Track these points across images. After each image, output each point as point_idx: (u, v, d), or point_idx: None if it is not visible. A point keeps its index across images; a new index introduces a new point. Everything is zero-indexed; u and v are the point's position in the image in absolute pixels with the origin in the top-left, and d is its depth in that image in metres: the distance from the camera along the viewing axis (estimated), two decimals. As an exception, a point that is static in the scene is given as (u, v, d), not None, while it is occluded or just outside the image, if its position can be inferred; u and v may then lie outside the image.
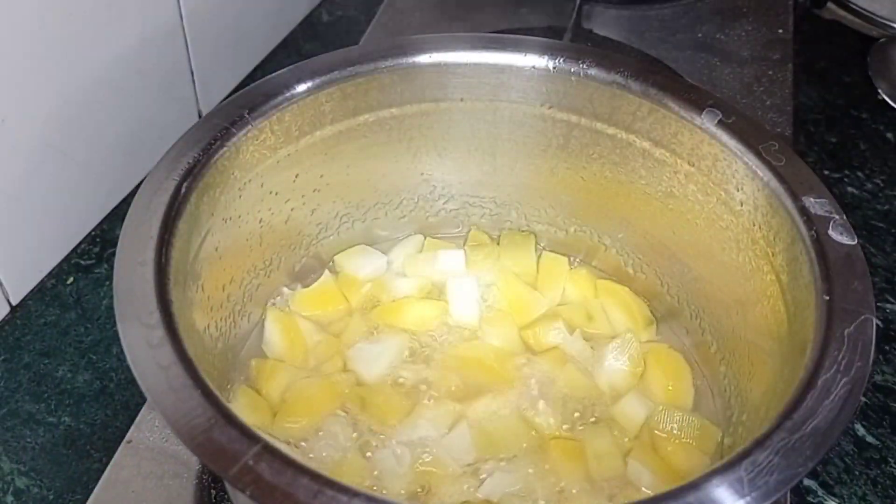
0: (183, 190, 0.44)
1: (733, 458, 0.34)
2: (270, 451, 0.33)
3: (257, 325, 0.56)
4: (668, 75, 0.52)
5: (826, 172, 0.78)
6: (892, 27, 0.90)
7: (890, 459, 0.56)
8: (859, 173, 0.78)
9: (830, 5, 0.95)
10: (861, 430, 0.58)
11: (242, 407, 0.51)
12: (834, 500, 0.54)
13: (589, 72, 0.52)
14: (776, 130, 0.74)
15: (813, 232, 0.43)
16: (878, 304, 0.66)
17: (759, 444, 0.35)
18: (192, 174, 0.45)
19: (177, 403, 0.35)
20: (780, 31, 0.87)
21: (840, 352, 0.38)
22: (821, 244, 0.42)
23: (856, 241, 0.43)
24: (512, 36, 0.55)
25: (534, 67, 0.53)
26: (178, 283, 0.42)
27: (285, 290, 0.58)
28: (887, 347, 0.64)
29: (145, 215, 0.42)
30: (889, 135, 0.83)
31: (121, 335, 0.38)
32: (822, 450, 0.35)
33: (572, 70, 0.52)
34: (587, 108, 0.53)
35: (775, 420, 0.36)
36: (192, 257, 0.45)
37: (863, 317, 0.39)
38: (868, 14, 0.90)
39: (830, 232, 0.43)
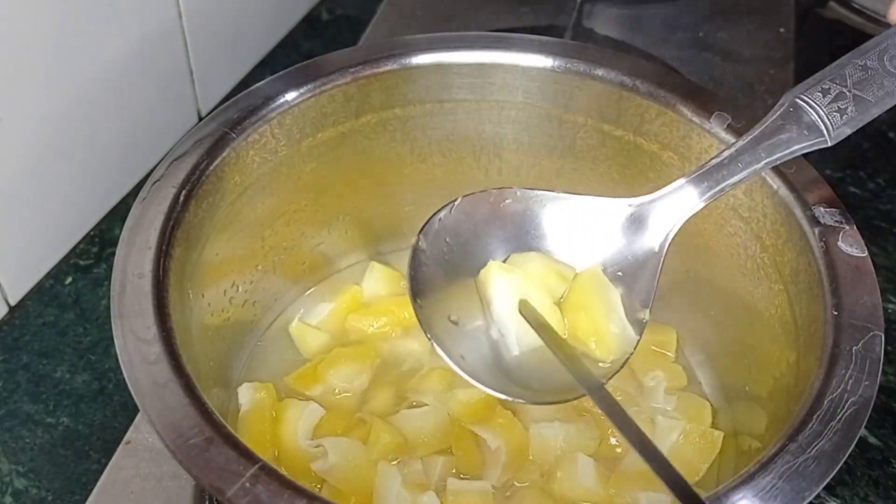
0: (181, 198, 0.43)
1: (737, 482, 0.34)
2: (268, 472, 0.33)
3: (261, 329, 0.56)
4: (677, 77, 0.52)
5: (828, 172, 0.78)
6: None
7: (892, 460, 0.56)
8: (861, 173, 0.78)
9: (832, 4, 0.95)
10: (863, 431, 0.58)
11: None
12: (836, 501, 0.54)
13: (596, 73, 0.51)
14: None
15: (822, 243, 0.42)
16: (880, 304, 0.66)
17: (764, 467, 0.34)
18: (191, 181, 0.44)
19: (173, 422, 0.35)
20: (782, 29, 0.86)
21: (847, 370, 0.37)
22: (830, 256, 0.42)
23: (866, 254, 0.42)
24: (517, 35, 0.54)
25: (540, 68, 0.52)
26: (178, 292, 0.41)
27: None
28: (889, 348, 0.64)
29: (143, 226, 0.42)
30: (891, 134, 0.82)
31: (118, 351, 0.37)
32: (829, 474, 0.34)
33: (579, 71, 0.52)
34: (594, 110, 0.53)
35: (780, 442, 0.35)
36: (191, 265, 0.44)
37: (871, 333, 0.39)
38: (870, 13, 0.90)
39: (840, 243, 0.42)
